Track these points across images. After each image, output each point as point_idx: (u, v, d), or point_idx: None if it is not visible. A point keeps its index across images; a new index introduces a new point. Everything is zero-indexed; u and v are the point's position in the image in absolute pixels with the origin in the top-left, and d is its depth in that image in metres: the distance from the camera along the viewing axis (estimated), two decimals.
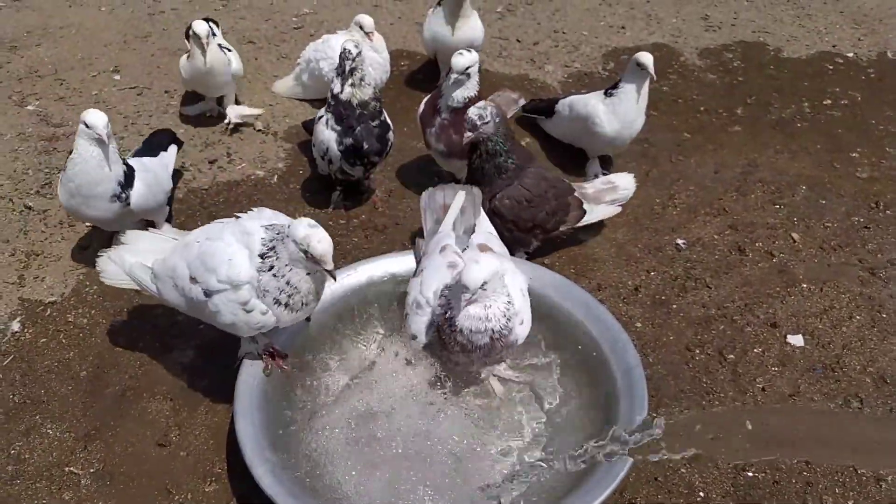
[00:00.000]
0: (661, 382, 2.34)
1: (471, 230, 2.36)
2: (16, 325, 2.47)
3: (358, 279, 2.31)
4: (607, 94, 3.05)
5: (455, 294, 1.93)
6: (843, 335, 2.52)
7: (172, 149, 2.90)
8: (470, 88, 2.76)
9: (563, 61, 4.19)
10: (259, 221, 1.92)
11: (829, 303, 2.63)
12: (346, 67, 2.72)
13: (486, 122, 2.46)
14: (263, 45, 4.22)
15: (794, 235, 2.95)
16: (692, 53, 4.29)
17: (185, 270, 1.93)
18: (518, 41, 4.35)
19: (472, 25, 3.56)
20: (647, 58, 2.88)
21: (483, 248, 2.19)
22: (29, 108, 3.60)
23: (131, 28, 4.36)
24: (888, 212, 3.09)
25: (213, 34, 3.26)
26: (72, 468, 2.05)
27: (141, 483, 2.02)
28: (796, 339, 2.50)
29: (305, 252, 1.79)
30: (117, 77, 3.87)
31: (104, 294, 2.57)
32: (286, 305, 1.88)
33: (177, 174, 3.00)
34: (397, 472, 1.95)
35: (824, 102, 3.86)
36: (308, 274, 1.86)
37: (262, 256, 1.85)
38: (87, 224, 2.88)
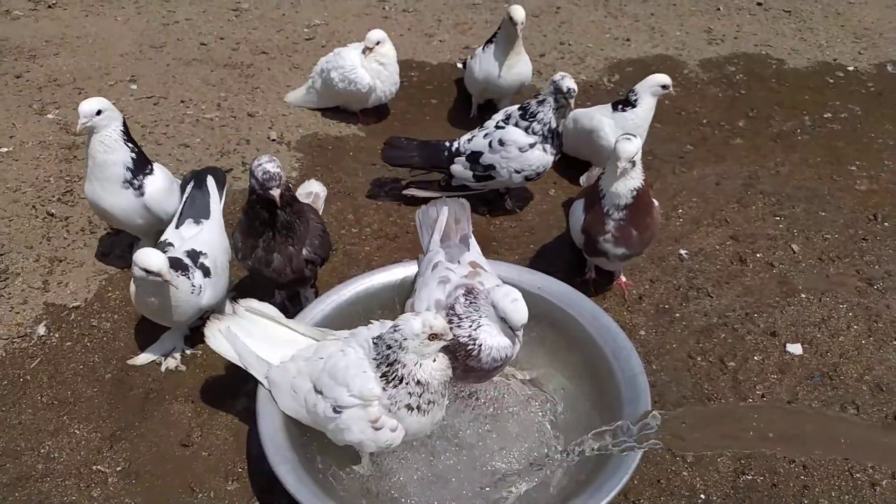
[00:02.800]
0: (664, 388, 2.42)
1: (467, 238, 2.43)
2: (42, 329, 2.56)
3: (371, 284, 2.41)
4: (616, 108, 3.16)
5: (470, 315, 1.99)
6: (840, 344, 2.60)
7: (211, 182, 2.70)
8: (636, 178, 2.46)
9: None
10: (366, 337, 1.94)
11: (828, 313, 2.71)
12: None
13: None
14: (276, 56, 4.32)
15: (794, 247, 3.04)
16: (695, 66, 4.38)
17: (309, 384, 1.93)
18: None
19: (524, 62, 3.58)
20: (667, 80, 3.09)
21: (474, 265, 2.24)
22: (49, 116, 3.70)
23: (146, 38, 4.46)
24: (886, 224, 3.18)
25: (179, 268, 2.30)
26: (99, 467, 2.14)
27: (165, 481, 2.11)
28: (795, 348, 2.58)
29: (430, 336, 1.79)
30: (134, 87, 3.97)
31: (126, 300, 2.66)
32: (418, 409, 1.85)
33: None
34: (412, 463, 2.05)
35: (824, 116, 3.95)
36: (434, 361, 1.86)
37: (384, 376, 1.84)
38: (109, 229, 2.97)
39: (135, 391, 2.35)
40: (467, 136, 3.10)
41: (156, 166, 2.66)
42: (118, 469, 2.13)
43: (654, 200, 2.62)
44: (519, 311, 1.93)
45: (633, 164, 2.42)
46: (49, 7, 4.80)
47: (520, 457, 2.09)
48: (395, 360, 1.83)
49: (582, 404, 2.20)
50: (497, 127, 2.99)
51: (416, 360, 1.82)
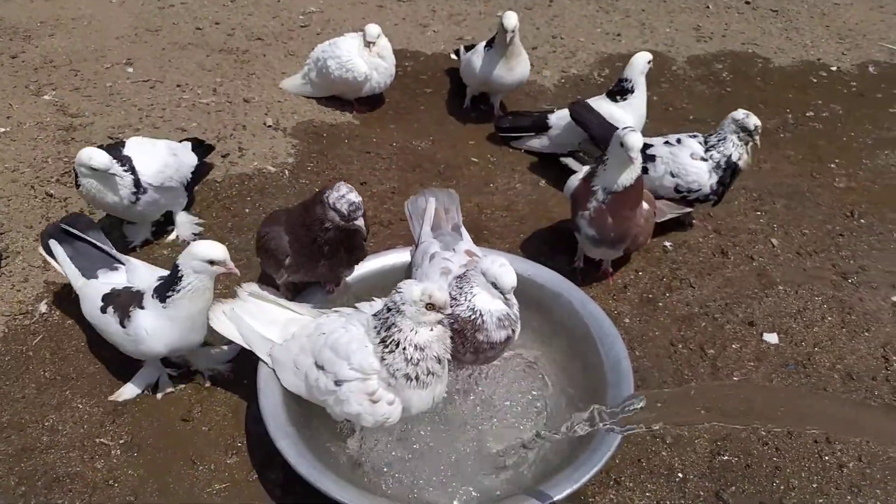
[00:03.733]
0: (647, 374, 2.53)
1: (458, 227, 2.51)
2: (43, 307, 2.61)
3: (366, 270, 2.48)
4: (615, 99, 3.34)
5: (468, 288, 2.08)
6: (814, 335, 2.72)
7: (187, 145, 2.98)
8: (635, 170, 2.55)
9: (561, 66, 4.37)
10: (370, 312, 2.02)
11: (803, 304, 2.83)
12: None
13: None
14: (271, 42, 4.36)
15: (774, 241, 3.15)
16: (683, 62, 4.48)
17: (310, 359, 1.99)
18: None
19: (523, 63, 3.66)
20: (649, 55, 3.33)
21: (470, 253, 2.32)
22: (45, 97, 3.73)
23: (142, 21, 4.48)
24: (862, 221, 3.30)
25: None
26: (102, 440, 2.21)
27: (167, 454, 2.19)
28: (771, 337, 2.70)
29: (427, 305, 1.86)
30: (130, 70, 4.00)
31: None
32: (416, 380, 1.90)
33: (201, 169, 3.02)
34: (413, 436, 2.15)
35: (807, 114, 4.07)
36: (431, 329, 1.91)
37: (383, 342, 1.90)
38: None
39: (136, 367, 2.41)
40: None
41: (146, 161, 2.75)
42: (121, 442, 2.21)
43: (646, 204, 2.69)
44: (508, 274, 2.02)
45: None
46: None
47: (509, 435, 2.18)
48: (392, 324, 1.90)
49: (568, 386, 2.30)
50: (676, 141, 3.04)
51: (412, 327, 1.89)
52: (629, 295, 2.85)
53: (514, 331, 2.11)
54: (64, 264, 2.38)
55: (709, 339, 2.68)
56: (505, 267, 2.03)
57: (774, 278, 2.95)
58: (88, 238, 2.41)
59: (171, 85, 3.89)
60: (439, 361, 1.95)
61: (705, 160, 2.95)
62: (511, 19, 3.41)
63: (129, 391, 2.33)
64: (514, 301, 2.10)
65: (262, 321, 2.15)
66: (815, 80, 4.42)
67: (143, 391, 2.35)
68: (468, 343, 2.05)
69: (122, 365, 2.39)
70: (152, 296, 2.13)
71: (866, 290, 2.93)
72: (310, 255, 2.23)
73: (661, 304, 2.82)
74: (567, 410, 2.22)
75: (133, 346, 2.19)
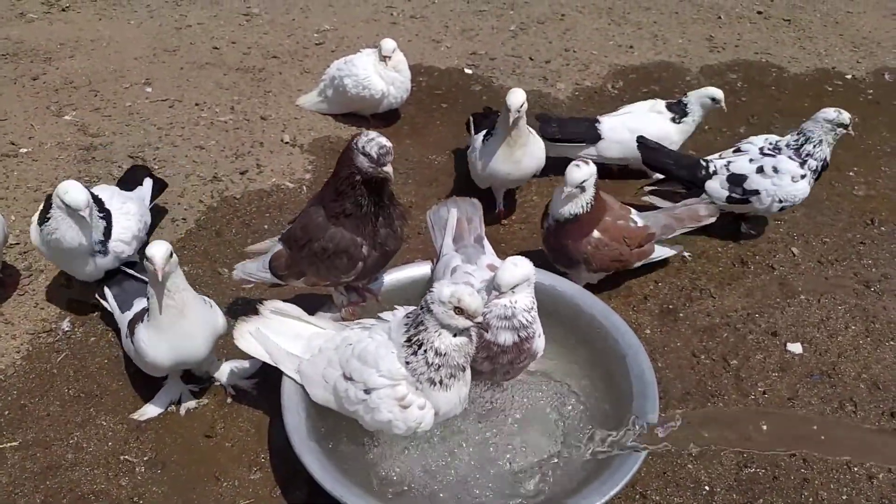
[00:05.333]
0: (669, 385, 2.51)
1: (481, 239, 2.49)
2: (66, 325, 2.64)
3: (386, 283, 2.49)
4: (675, 119, 3.36)
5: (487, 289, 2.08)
6: (839, 344, 2.69)
7: (148, 182, 2.90)
8: (581, 203, 2.54)
9: (574, 79, 4.38)
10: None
11: (826, 313, 2.81)
12: None
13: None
14: (287, 60, 4.41)
15: (794, 250, 3.13)
16: (697, 73, 4.48)
17: (338, 372, 2.00)
18: (531, 59, 4.55)
19: (531, 154, 2.99)
20: (720, 94, 3.32)
21: (492, 267, 2.29)
22: (66, 118, 3.78)
23: (160, 42, 4.55)
24: (882, 228, 3.28)
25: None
26: (126, 456, 2.22)
27: (191, 470, 2.19)
28: (795, 347, 2.67)
29: (456, 308, 1.84)
30: (149, 89, 4.05)
31: None
32: (440, 384, 1.91)
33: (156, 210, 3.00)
34: (431, 454, 2.13)
35: None
36: (454, 336, 1.90)
37: (408, 340, 1.91)
38: None
39: (159, 384, 2.43)
40: (719, 157, 3.12)
41: (113, 217, 2.58)
42: (145, 459, 2.21)
43: (598, 234, 2.62)
44: (503, 270, 2.01)
45: (583, 189, 2.51)
46: (62, 10, 4.89)
47: (532, 450, 2.16)
48: (420, 322, 1.90)
49: (592, 399, 2.29)
50: (764, 154, 3.01)
51: (437, 328, 1.88)
52: (649, 306, 2.83)
53: (522, 338, 2.08)
54: (111, 303, 2.46)
55: (731, 350, 2.66)
56: (513, 266, 2.02)
57: (796, 287, 2.93)
58: (133, 273, 2.50)
59: (189, 104, 3.94)
60: (461, 368, 1.95)
61: (804, 176, 2.96)
62: (517, 97, 2.78)
63: (151, 410, 2.35)
64: (523, 307, 2.06)
65: (287, 337, 2.15)
66: (830, 89, 4.40)
67: (165, 409, 2.36)
68: (479, 347, 2.03)
69: (146, 382, 2.41)
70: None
71: (889, 298, 2.90)
72: (362, 223, 2.12)
73: (681, 314, 2.80)
74: (590, 423, 2.21)
75: (142, 360, 2.22)
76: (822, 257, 3.10)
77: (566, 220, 2.60)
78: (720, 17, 5.15)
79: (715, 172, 3.07)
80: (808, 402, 2.49)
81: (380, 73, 3.62)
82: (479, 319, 1.89)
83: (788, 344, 2.68)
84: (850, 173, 3.66)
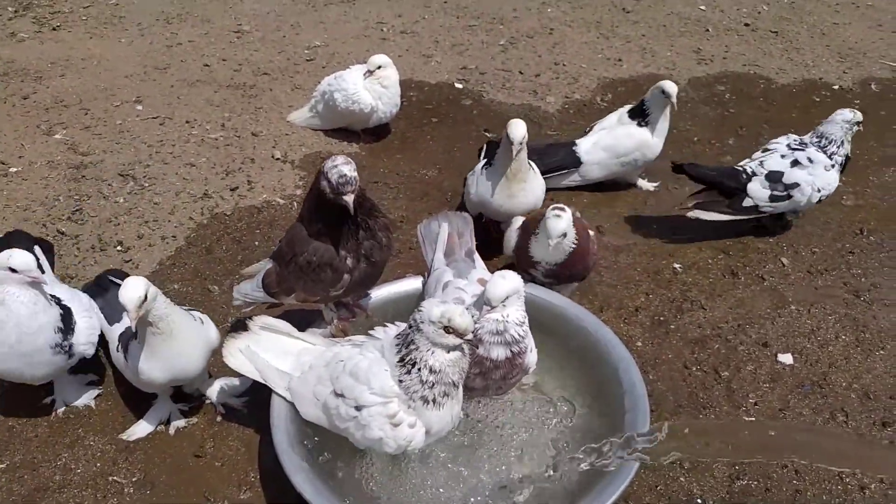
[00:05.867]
0: (661, 397, 2.51)
1: (472, 253, 2.49)
2: None
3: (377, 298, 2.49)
4: (640, 123, 3.35)
5: (478, 305, 2.09)
6: (829, 354, 2.70)
7: (37, 251, 2.50)
8: (569, 241, 2.49)
9: (564, 92, 4.41)
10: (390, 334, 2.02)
11: (817, 323, 2.81)
12: None
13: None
14: (278, 77, 4.42)
15: (784, 260, 3.14)
16: (685, 85, 4.51)
17: (328, 388, 1.98)
18: (521, 73, 4.57)
19: (528, 191, 2.87)
20: (671, 87, 3.22)
21: (482, 282, 2.29)
22: (56, 136, 3.78)
23: (150, 60, 4.56)
24: (871, 238, 3.29)
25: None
26: (115, 477, 2.20)
27: (180, 491, 2.17)
28: (786, 358, 2.68)
29: (446, 328, 1.84)
30: (139, 107, 4.06)
31: None
32: (434, 402, 1.89)
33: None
34: (420, 471, 2.12)
35: None
36: (448, 353, 1.89)
37: (401, 360, 1.90)
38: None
39: (147, 403, 2.41)
40: (752, 161, 3.19)
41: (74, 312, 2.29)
42: (134, 479, 2.19)
43: (594, 244, 2.62)
44: (493, 285, 2.01)
45: (565, 235, 2.44)
46: (53, 30, 4.91)
47: (522, 464, 2.16)
48: (412, 342, 1.89)
49: (583, 412, 2.28)
50: (793, 149, 3.14)
51: (429, 347, 1.87)
52: (641, 318, 2.84)
53: (515, 353, 2.07)
54: (97, 316, 2.40)
55: (723, 361, 2.66)
56: (502, 279, 2.02)
57: (786, 298, 2.94)
58: (118, 281, 2.40)
59: (180, 121, 3.94)
60: (455, 385, 1.94)
61: (833, 166, 3.10)
62: (518, 129, 2.68)
63: (140, 429, 2.32)
64: (515, 321, 2.06)
65: (276, 353, 2.14)
66: (817, 100, 4.44)
67: (155, 428, 2.34)
68: (472, 363, 2.02)
69: (134, 401, 2.40)
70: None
71: (879, 308, 2.90)
72: (345, 238, 2.12)
73: (672, 326, 2.81)
74: (581, 436, 2.20)
75: (135, 377, 2.19)
76: (812, 267, 3.11)
77: (563, 261, 2.55)
78: (708, 30, 5.19)
79: (753, 174, 3.14)
80: (799, 412, 2.49)
81: (368, 87, 3.64)
82: (469, 336, 1.88)
83: (779, 354, 2.68)
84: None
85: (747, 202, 3.11)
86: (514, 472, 2.13)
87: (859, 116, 3.08)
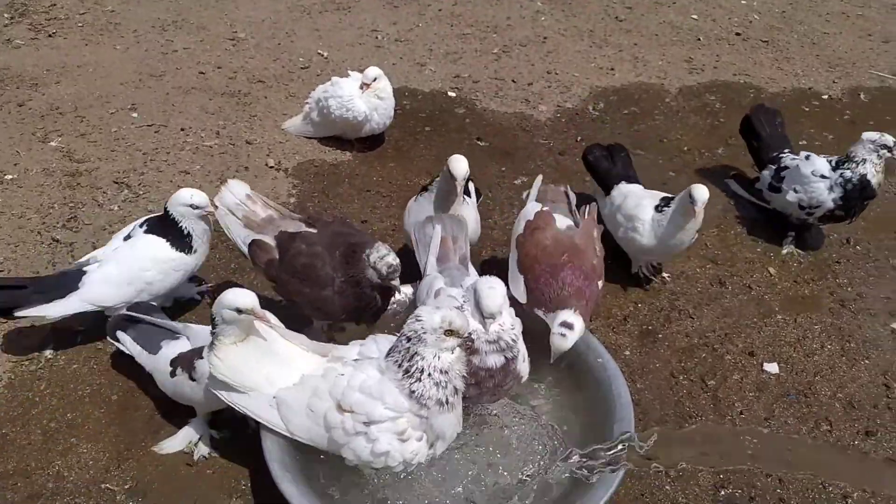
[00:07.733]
0: (648, 406, 2.54)
1: (466, 259, 2.50)
2: (48, 352, 2.64)
3: None
4: (658, 209, 2.88)
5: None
6: (815, 363, 2.74)
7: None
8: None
9: (556, 101, 4.45)
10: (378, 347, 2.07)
11: (803, 333, 2.85)
12: None
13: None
14: (272, 85, 4.45)
15: (771, 269, 3.18)
16: (676, 94, 4.56)
17: (329, 402, 1.98)
18: (514, 81, 4.61)
19: (466, 215, 2.68)
20: (700, 192, 2.69)
21: None
22: (52, 144, 3.80)
23: (146, 67, 4.58)
24: (857, 248, 3.34)
25: None
26: (108, 485, 2.22)
27: (172, 499, 2.20)
28: (772, 367, 2.72)
29: (447, 332, 1.90)
30: (135, 115, 4.08)
31: None
32: (447, 402, 1.93)
33: None
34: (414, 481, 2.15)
35: (800, 143, 4.11)
36: (452, 353, 1.94)
37: (407, 373, 1.92)
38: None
39: (140, 412, 2.44)
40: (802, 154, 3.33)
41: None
42: (126, 487, 2.22)
43: (595, 261, 2.54)
44: (491, 296, 2.03)
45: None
46: (49, 36, 4.92)
47: (508, 471, 2.18)
48: (415, 354, 1.92)
49: (570, 420, 2.32)
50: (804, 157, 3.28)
51: (434, 353, 1.91)
52: (629, 327, 2.87)
53: (509, 358, 2.09)
54: (131, 347, 2.41)
55: (709, 371, 2.69)
56: (493, 290, 2.04)
57: (773, 307, 2.98)
58: (148, 319, 2.44)
59: (175, 129, 3.97)
60: (457, 390, 1.98)
61: (826, 178, 3.13)
62: (460, 165, 2.59)
63: (172, 445, 2.33)
64: (509, 326, 2.09)
65: (263, 353, 2.13)
66: (807, 109, 4.48)
67: (185, 446, 2.33)
68: (469, 373, 2.03)
69: (129, 410, 2.42)
70: (208, 347, 2.13)
71: (865, 317, 2.95)
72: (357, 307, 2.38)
73: (660, 335, 2.84)
74: (568, 444, 2.23)
75: (204, 395, 2.19)
76: (799, 277, 3.15)
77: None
78: (699, 39, 5.24)
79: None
80: (784, 421, 2.53)
81: (363, 98, 3.67)
82: (467, 331, 1.94)
83: (765, 364, 2.72)
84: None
85: (758, 185, 3.42)
86: (500, 480, 2.15)
87: (889, 140, 3.03)
